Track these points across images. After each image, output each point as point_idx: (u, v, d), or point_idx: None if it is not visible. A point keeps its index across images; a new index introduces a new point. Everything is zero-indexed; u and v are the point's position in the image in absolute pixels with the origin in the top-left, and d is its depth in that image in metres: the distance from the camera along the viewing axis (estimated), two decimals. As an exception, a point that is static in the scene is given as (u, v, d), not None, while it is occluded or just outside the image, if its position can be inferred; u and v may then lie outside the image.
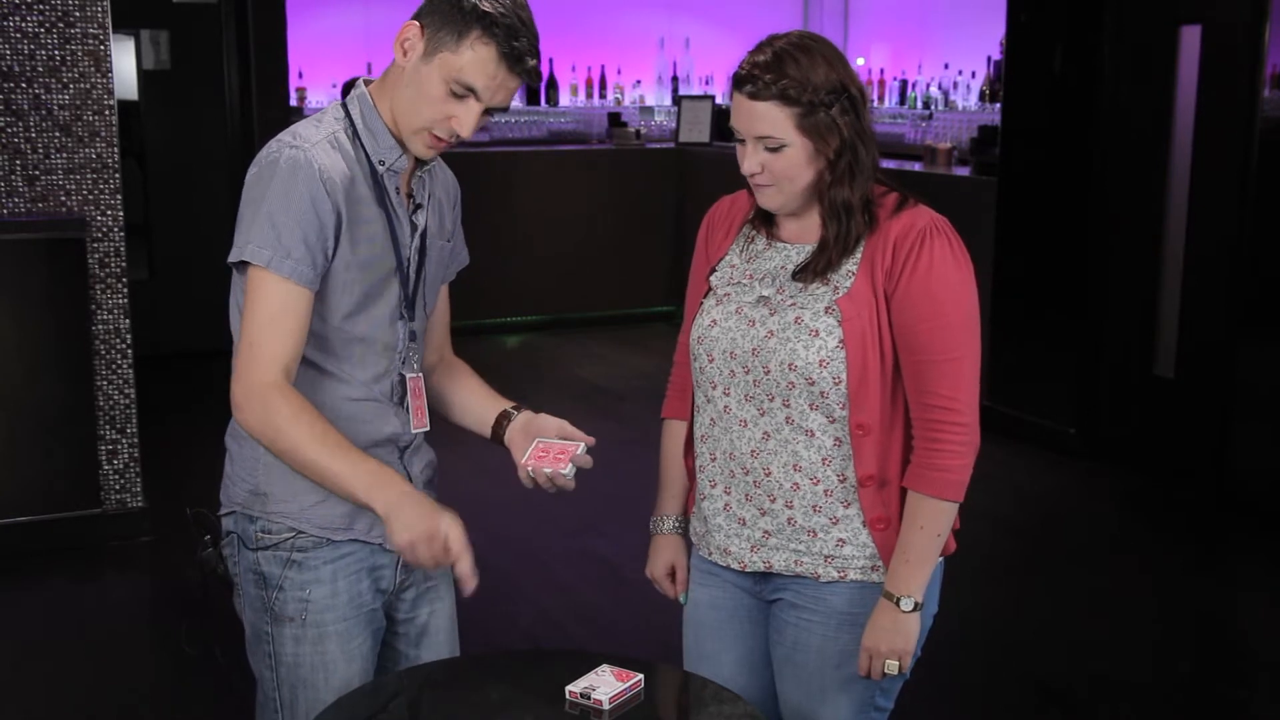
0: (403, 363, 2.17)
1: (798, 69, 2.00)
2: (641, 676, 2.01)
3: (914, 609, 2.08)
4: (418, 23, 2.02)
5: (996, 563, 4.84)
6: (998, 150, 6.40)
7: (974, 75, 7.95)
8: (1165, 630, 4.30)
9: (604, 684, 1.97)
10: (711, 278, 2.22)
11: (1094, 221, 5.85)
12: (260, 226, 1.98)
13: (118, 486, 4.74)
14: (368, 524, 2.11)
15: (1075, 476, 5.76)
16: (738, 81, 2.05)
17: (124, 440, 4.75)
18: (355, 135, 2.08)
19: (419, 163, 2.15)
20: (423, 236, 2.16)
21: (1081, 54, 5.81)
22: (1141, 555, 4.96)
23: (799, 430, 2.10)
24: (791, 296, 2.10)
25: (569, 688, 1.96)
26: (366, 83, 2.14)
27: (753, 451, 2.13)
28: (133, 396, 4.76)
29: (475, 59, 1.99)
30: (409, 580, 2.23)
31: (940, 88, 8.22)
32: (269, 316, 1.98)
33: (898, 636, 2.09)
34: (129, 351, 4.75)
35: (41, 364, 4.58)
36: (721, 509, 2.19)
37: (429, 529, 1.95)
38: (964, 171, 6.90)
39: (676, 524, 2.35)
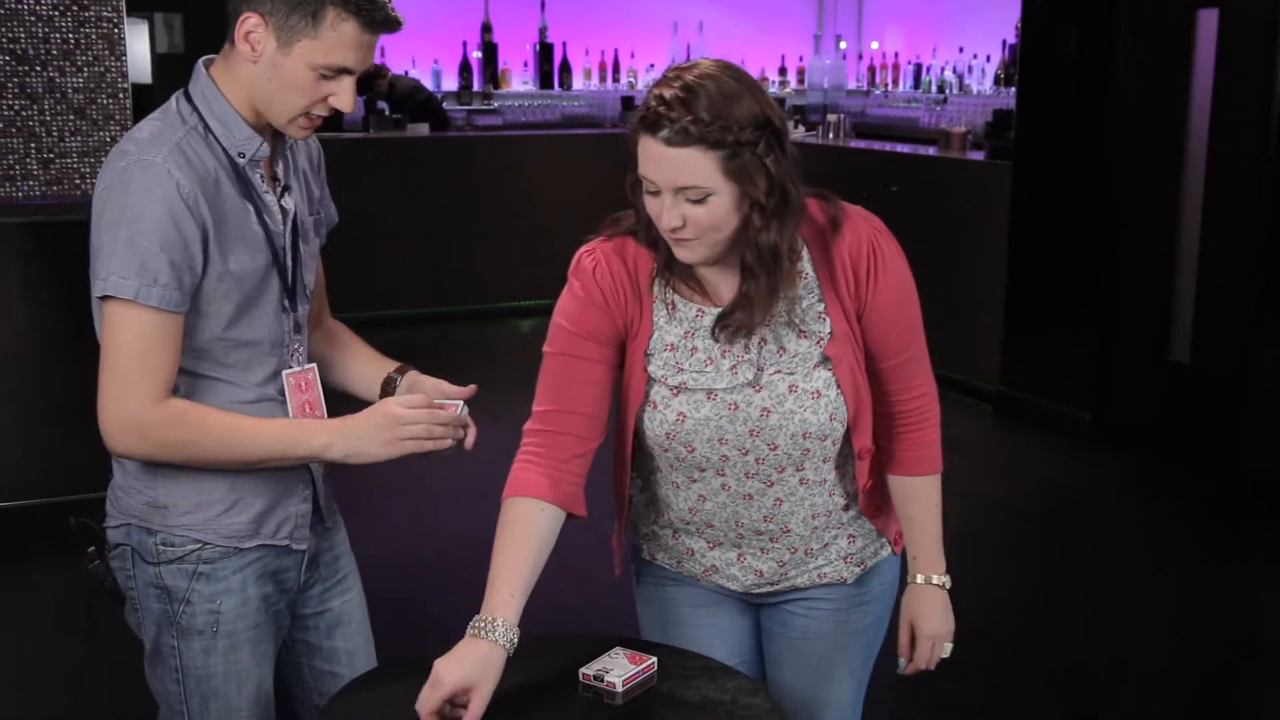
0: (291, 357, 2.08)
1: (715, 107, 1.75)
2: (655, 659, 2.01)
3: (950, 584, 2.13)
4: (256, 14, 1.87)
5: (1009, 548, 4.83)
6: (1012, 134, 6.37)
7: (989, 59, 7.92)
8: (1179, 617, 4.29)
9: (617, 666, 1.97)
10: (650, 368, 1.98)
11: (1109, 205, 5.82)
12: (122, 254, 1.84)
13: (132, 469, 4.75)
14: (274, 527, 2.07)
15: (1089, 462, 5.74)
16: (647, 125, 1.79)
17: (138, 423, 4.75)
18: (207, 130, 1.94)
19: (278, 139, 2.02)
20: (294, 220, 2.05)
21: (1097, 37, 5.77)
22: (1156, 541, 4.94)
23: (813, 486, 2.05)
24: (776, 366, 1.95)
25: (583, 670, 1.96)
26: (208, 63, 1.99)
27: (765, 518, 2.05)
28: (147, 380, 4.76)
29: (339, 39, 1.87)
30: (314, 577, 2.20)
31: (955, 71, 8.19)
32: (143, 350, 1.87)
33: (949, 617, 2.14)
34: (143, 335, 4.76)
35: (56, 347, 4.59)
36: (735, 559, 2.12)
37: (389, 424, 1.95)
38: (978, 156, 6.87)
39: (509, 636, 1.85)
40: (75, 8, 4.58)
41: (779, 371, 1.95)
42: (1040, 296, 6.16)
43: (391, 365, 2.22)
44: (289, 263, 2.04)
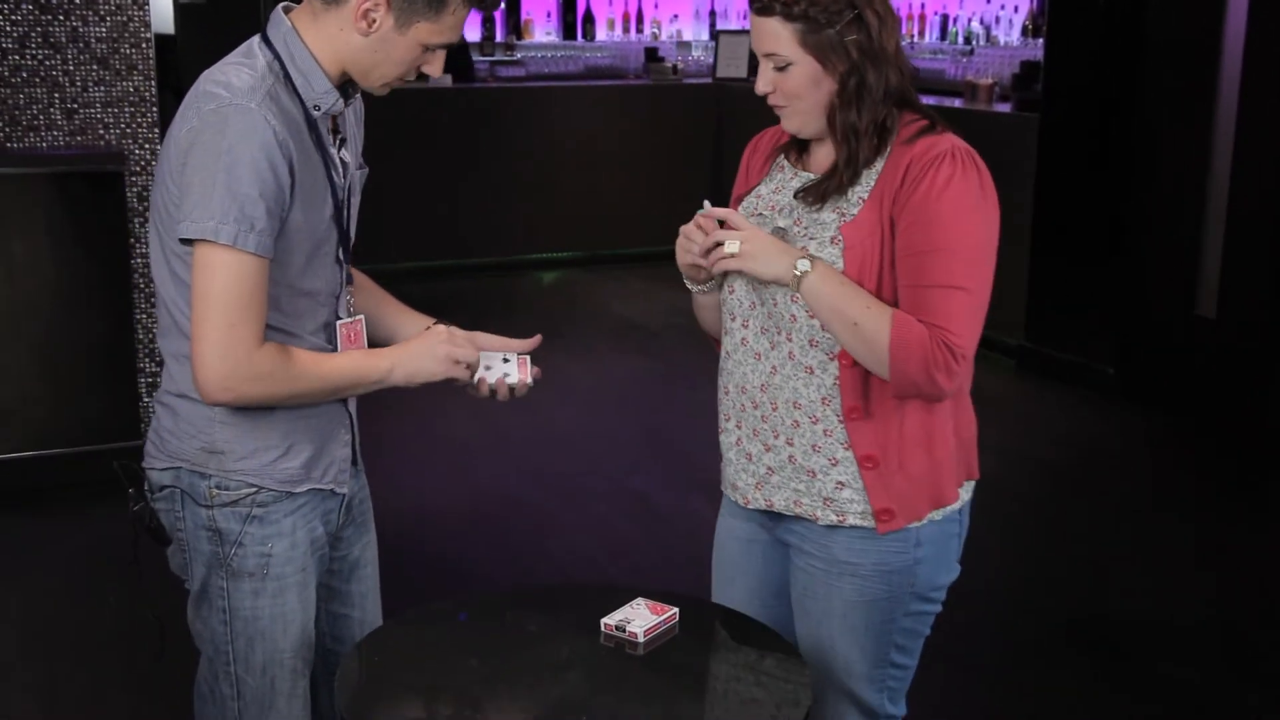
0: (342, 308, 2.13)
1: None
2: (676, 610, 2.02)
3: (802, 272, 1.98)
4: None
5: (1032, 503, 4.83)
6: (1040, 86, 6.31)
7: (1016, 10, 7.83)
8: (1203, 573, 4.29)
9: (639, 617, 1.99)
10: (740, 207, 2.19)
11: (1137, 158, 5.77)
12: (220, 198, 1.87)
13: (158, 419, 4.78)
14: (321, 470, 2.12)
15: (1114, 417, 5.73)
16: None
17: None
18: (286, 77, 1.98)
19: (342, 92, 2.06)
20: (348, 172, 2.11)
21: (1128, -13, 5.70)
22: (1179, 497, 4.93)
23: (799, 367, 2.08)
24: (806, 227, 2.06)
25: (604, 620, 1.98)
26: (287, 10, 2.03)
27: (762, 386, 2.12)
28: (172, 330, 4.79)
29: (455, 21, 1.98)
30: (348, 519, 2.25)
31: (982, 22, 8.10)
32: (244, 295, 1.91)
33: (769, 257, 1.99)
34: (168, 285, 4.78)
35: (81, 297, 4.62)
36: (734, 443, 2.20)
37: (439, 341, 2.08)
38: (1005, 108, 6.82)
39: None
40: (98, -43, 4.57)
41: (804, 234, 2.06)
42: (1065, 250, 6.12)
43: (427, 320, 2.26)
44: (346, 214, 2.10)
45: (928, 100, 7.00)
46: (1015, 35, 7.82)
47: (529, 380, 2.15)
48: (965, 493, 2.19)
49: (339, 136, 2.09)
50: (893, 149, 2.03)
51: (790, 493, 2.13)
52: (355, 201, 2.16)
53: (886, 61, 2.00)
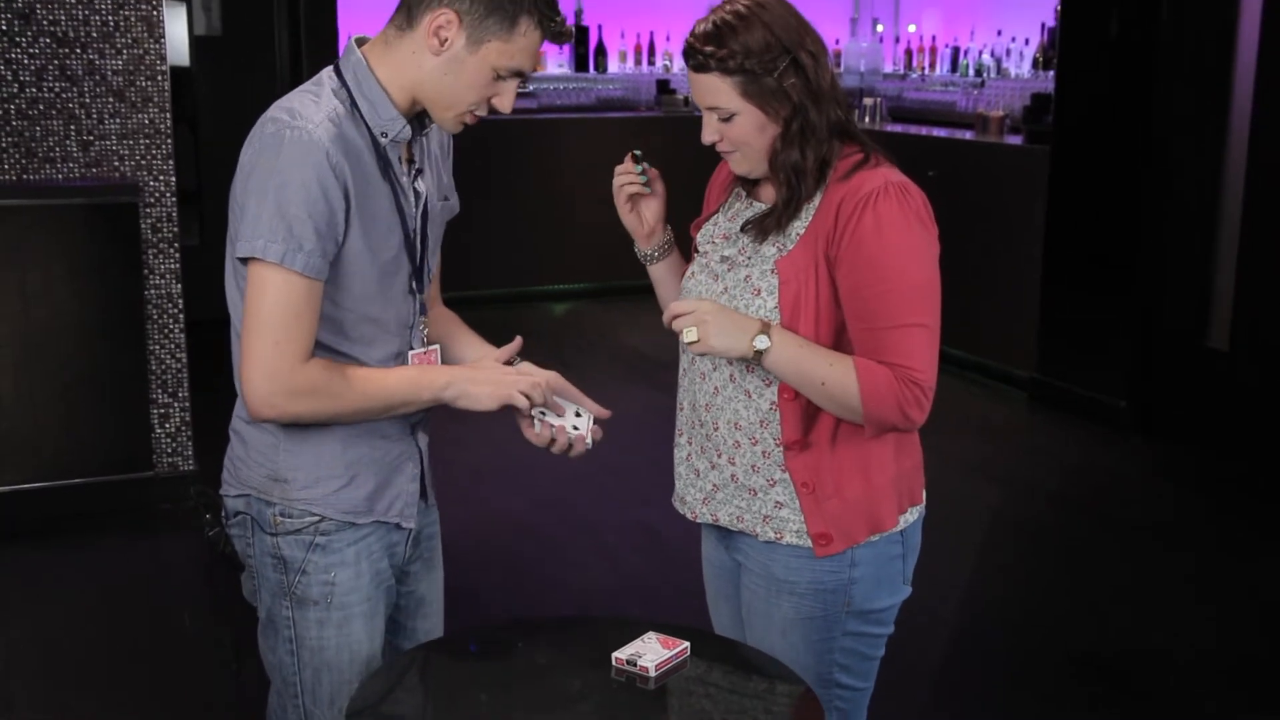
0: (415, 339, 2.15)
1: (735, 38, 1.99)
2: (688, 644, 2.02)
3: (761, 349, 2.00)
4: (452, 10, 1.94)
5: (1044, 536, 4.81)
6: (1050, 118, 6.32)
7: (1027, 42, 7.85)
8: (1215, 607, 4.26)
9: (650, 651, 1.98)
10: (698, 234, 2.25)
11: (1148, 190, 5.77)
12: (269, 217, 1.91)
13: (169, 450, 4.80)
14: (387, 503, 2.13)
15: (1126, 450, 5.71)
16: (684, 55, 2.07)
17: (175, 404, 4.80)
18: (354, 106, 2.01)
19: (415, 125, 2.08)
20: (424, 204, 2.13)
21: (1138, 18, 5.71)
22: (1192, 531, 4.91)
23: (739, 389, 2.12)
24: (749, 257, 2.11)
25: (615, 654, 1.97)
26: (360, 42, 2.06)
27: (706, 405, 2.18)
28: (184, 361, 4.81)
29: (526, 44, 1.97)
30: (415, 553, 2.25)
31: (993, 55, 8.12)
32: (291, 313, 1.94)
33: (723, 331, 2.01)
34: (181, 316, 4.80)
35: (95, 328, 4.63)
36: (684, 458, 2.26)
37: (499, 371, 2.09)
38: (1016, 140, 6.82)
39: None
40: (114, -9, 4.61)
41: (747, 262, 2.11)
42: (1077, 282, 6.12)
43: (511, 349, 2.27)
44: (418, 244, 2.11)
45: (939, 133, 6.99)
46: (1026, 68, 7.83)
47: (589, 442, 2.16)
48: (910, 517, 2.19)
49: (414, 167, 2.11)
50: (829, 185, 2.06)
51: (734, 509, 2.18)
52: (435, 233, 2.18)
53: (826, 98, 2.04)
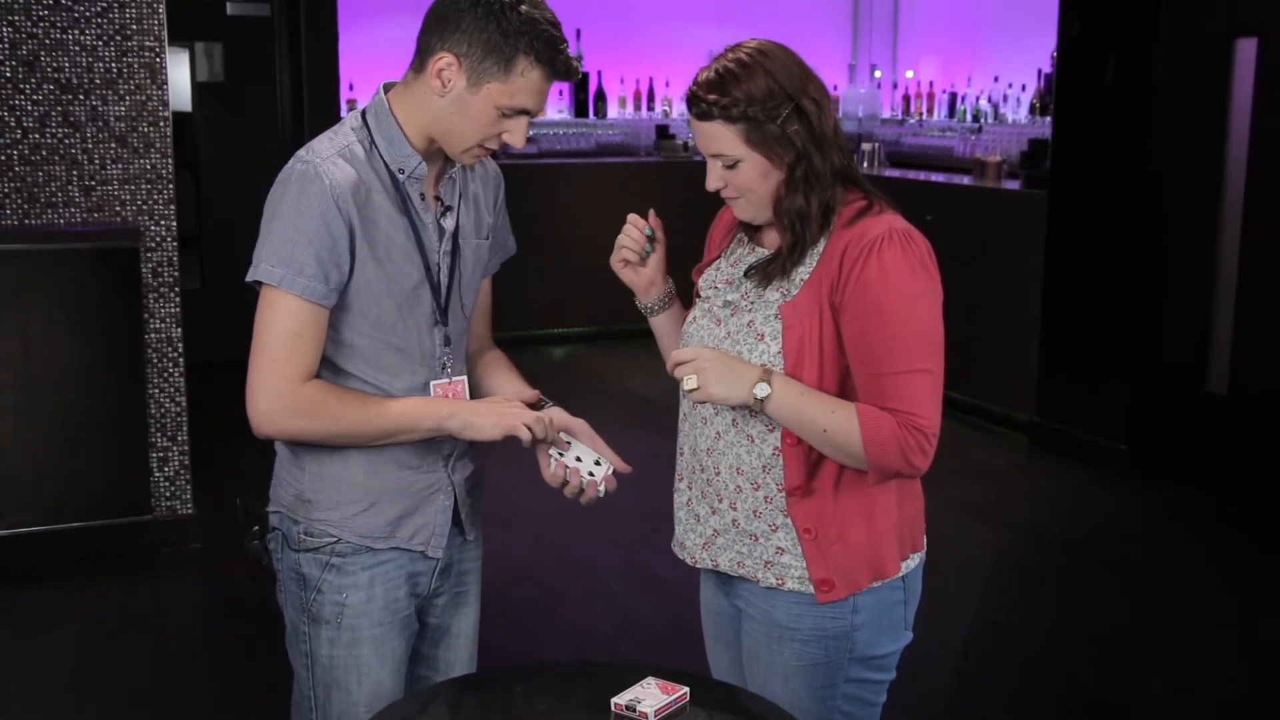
0: (441, 369, 2.19)
1: (739, 86, 2.02)
2: (687, 690, 2.01)
3: (761, 397, 2.01)
4: (451, 54, 2.01)
5: (1045, 579, 4.80)
6: (1048, 164, 6.35)
7: (1024, 88, 7.91)
8: (1217, 649, 4.25)
9: (649, 696, 1.97)
10: (700, 280, 2.25)
11: (1146, 235, 5.79)
12: (273, 244, 2.02)
13: (168, 493, 4.79)
14: (410, 531, 2.17)
15: (1126, 494, 5.70)
16: (687, 103, 2.08)
17: (175, 448, 4.80)
18: (373, 144, 2.10)
19: (447, 163, 2.16)
20: (454, 239, 2.18)
21: (1134, 66, 5.76)
22: (1192, 574, 4.90)
23: (742, 434, 2.12)
24: (752, 302, 2.11)
25: (614, 700, 1.96)
26: (388, 86, 2.15)
27: (708, 450, 2.17)
28: (184, 404, 4.81)
29: (526, 84, 2.03)
30: (442, 587, 2.29)
31: (990, 100, 8.18)
32: (291, 333, 2.02)
33: (723, 380, 2.02)
34: (180, 360, 4.80)
35: (95, 371, 4.64)
36: (685, 503, 2.24)
37: (506, 406, 2.12)
38: (1014, 185, 6.86)
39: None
40: (119, 38, 4.64)
41: (750, 307, 2.11)
42: (1076, 326, 6.13)
43: (528, 390, 2.31)
44: (441, 279, 2.16)
45: (937, 178, 7.02)
46: (1023, 113, 7.88)
47: (600, 490, 2.18)
48: (912, 563, 2.19)
49: (441, 204, 2.16)
50: (833, 231, 2.07)
51: (734, 554, 2.17)
52: (467, 269, 2.23)
53: (829, 144, 2.05)
